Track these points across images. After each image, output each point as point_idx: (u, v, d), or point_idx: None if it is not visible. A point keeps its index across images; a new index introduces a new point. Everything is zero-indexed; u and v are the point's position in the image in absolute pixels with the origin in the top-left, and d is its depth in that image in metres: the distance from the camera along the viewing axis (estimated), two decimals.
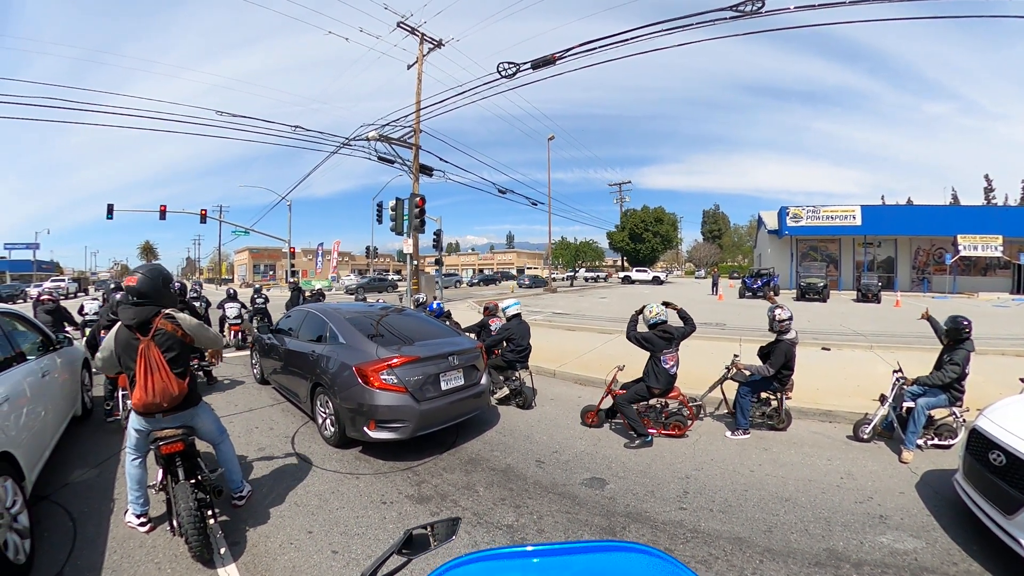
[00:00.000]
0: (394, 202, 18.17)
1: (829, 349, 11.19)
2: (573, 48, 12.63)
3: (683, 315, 6.21)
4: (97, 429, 6.35)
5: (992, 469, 3.58)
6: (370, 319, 6.53)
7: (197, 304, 12.50)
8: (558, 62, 13.26)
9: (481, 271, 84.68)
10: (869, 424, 5.74)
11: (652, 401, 6.09)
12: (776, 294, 22.59)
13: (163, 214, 31.13)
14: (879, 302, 25.14)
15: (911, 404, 5.46)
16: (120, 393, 6.08)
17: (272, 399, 7.77)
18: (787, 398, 6.20)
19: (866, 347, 11.38)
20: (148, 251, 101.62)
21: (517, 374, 7.32)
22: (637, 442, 5.66)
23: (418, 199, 17.70)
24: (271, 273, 78.40)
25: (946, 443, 5.45)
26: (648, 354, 5.96)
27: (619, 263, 71.88)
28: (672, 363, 5.90)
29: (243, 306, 13.54)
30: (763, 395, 6.20)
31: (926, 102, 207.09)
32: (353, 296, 21.27)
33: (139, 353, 3.44)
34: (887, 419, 5.75)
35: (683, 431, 5.95)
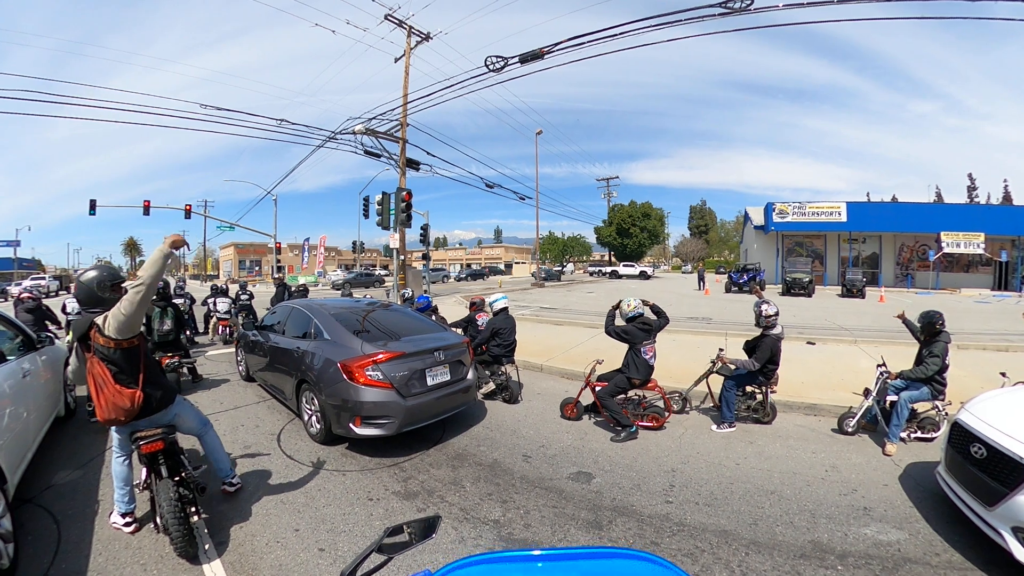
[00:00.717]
0: (380, 196, 18.03)
1: (814, 343, 11.32)
2: (561, 43, 12.63)
3: (656, 309, 6.27)
4: (81, 429, 6.21)
5: (973, 462, 3.64)
6: (356, 315, 6.50)
7: (181, 301, 12.40)
8: (546, 56, 13.27)
9: (469, 266, 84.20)
10: (853, 418, 5.82)
11: (631, 393, 6.16)
12: (762, 289, 22.77)
13: (147, 210, 30.61)
14: (864, 297, 25.43)
15: (894, 398, 5.55)
16: None
17: (258, 396, 7.70)
18: (772, 392, 6.29)
19: (850, 341, 11.49)
20: (132, 247, 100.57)
21: (503, 369, 7.31)
22: (623, 434, 5.69)
23: (405, 193, 17.57)
24: (257, 269, 77.65)
25: (929, 436, 5.54)
26: (627, 347, 6.04)
27: (606, 257, 72.11)
28: (651, 354, 6.01)
29: (232, 302, 13.40)
30: (748, 389, 6.26)
31: (913, 101, 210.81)
32: (339, 292, 21.19)
33: (87, 370, 3.36)
34: (871, 412, 5.82)
35: (661, 422, 6.02)
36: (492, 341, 7.38)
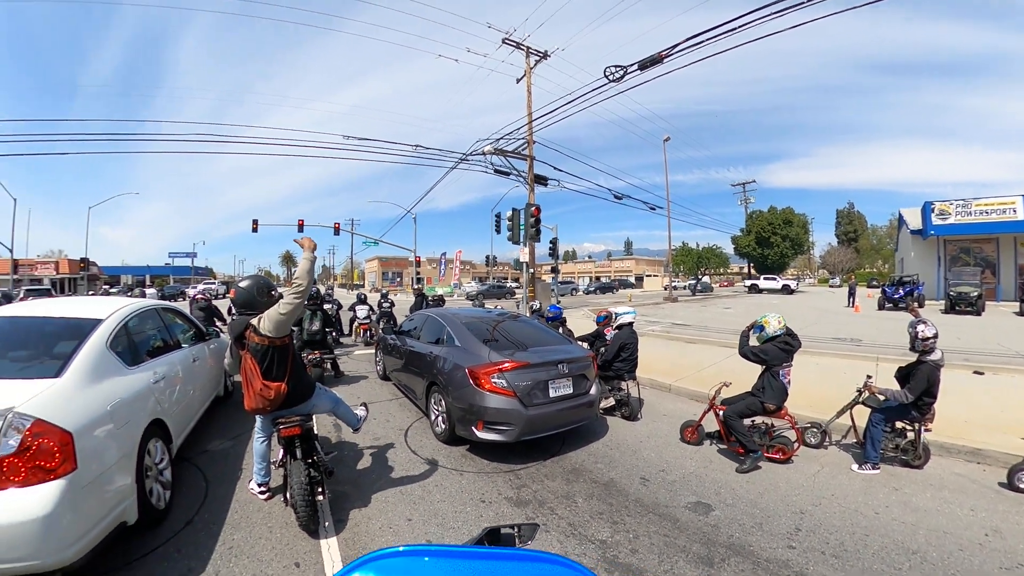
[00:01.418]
0: (510, 213, 18.61)
1: (983, 373, 9.77)
2: (679, 44, 12.03)
3: (789, 332, 5.79)
4: (235, 409, 7.19)
5: None
6: (485, 324, 6.79)
7: (329, 307, 13.77)
8: (665, 60, 12.70)
9: (598, 279, 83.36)
10: None
11: (757, 420, 5.74)
12: (920, 306, 20.17)
13: (301, 227, 34.74)
14: None
15: None
16: None
17: (391, 394, 8.35)
18: (926, 430, 5.41)
19: None
20: (288, 259, 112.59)
21: (624, 384, 7.21)
22: (748, 462, 5.33)
23: (533, 209, 17.98)
24: (398, 280, 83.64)
25: None
26: (761, 368, 5.66)
27: (745, 270, 67.39)
28: (789, 378, 5.58)
29: (371, 309, 14.69)
30: (898, 425, 5.51)
31: None
32: (472, 302, 22.13)
33: (241, 365, 3.90)
34: None
35: (788, 455, 5.49)
36: (617, 357, 7.31)
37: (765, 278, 49.41)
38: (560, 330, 9.46)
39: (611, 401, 7.27)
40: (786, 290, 45.36)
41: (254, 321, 3.92)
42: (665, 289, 45.47)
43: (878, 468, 5.29)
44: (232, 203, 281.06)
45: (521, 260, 19.72)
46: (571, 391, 5.84)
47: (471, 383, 5.49)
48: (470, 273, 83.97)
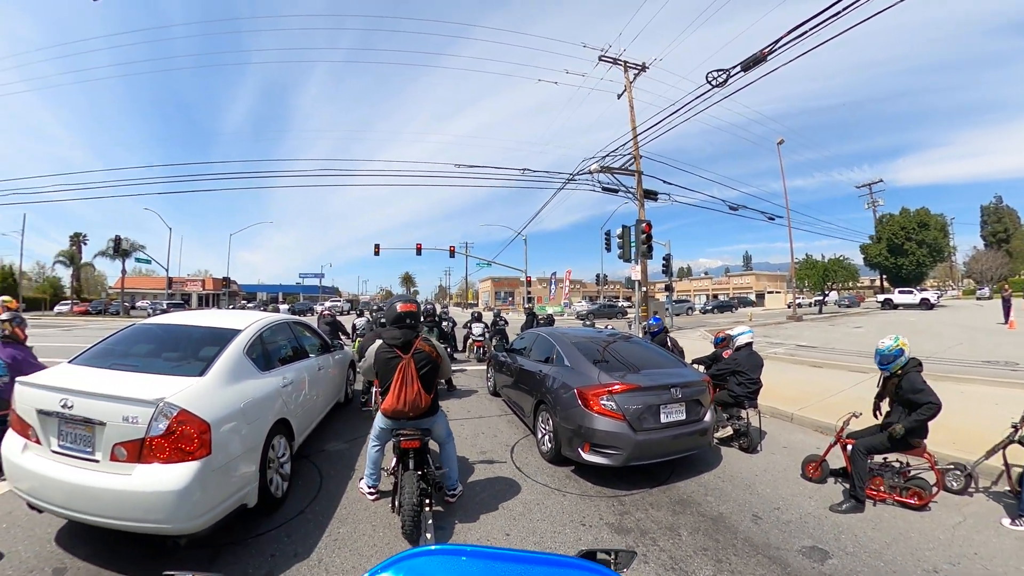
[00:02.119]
0: (620, 230, 18.38)
1: None
2: (781, 39, 11.03)
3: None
4: (353, 415, 7.96)
5: None
6: (596, 345, 6.65)
7: (445, 324, 14.38)
8: (769, 58, 11.75)
9: (715, 296, 79.64)
10: None
11: (891, 458, 5.05)
12: None
13: (419, 251, 37.51)
14: None
15: None
16: (375, 390, 7.28)
17: (500, 410, 8.44)
18: None
19: None
20: (408, 280, 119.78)
21: (744, 412, 6.72)
22: (846, 505, 4.73)
23: (644, 225, 17.62)
24: (510, 299, 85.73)
25: None
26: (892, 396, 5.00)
27: (876, 282, 60.58)
28: None
29: (486, 327, 15.16)
30: None
31: None
32: (583, 322, 22.03)
33: (399, 368, 4.15)
34: None
35: (924, 501, 4.72)
36: (733, 379, 6.86)
37: (900, 291, 43.93)
38: (668, 343, 9.13)
39: (728, 430, 6.79)
40: (925, 304, 39.38)
41: (425, 334, 4.44)
42: (788, 307, 41.94)
43: None
44: (355, 228, 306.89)
45: (633, 278, 19.33)
46: (684, 417, 5.54)
47: (579, 404, 5.40)
48: (580, 292, 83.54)
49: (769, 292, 74.43)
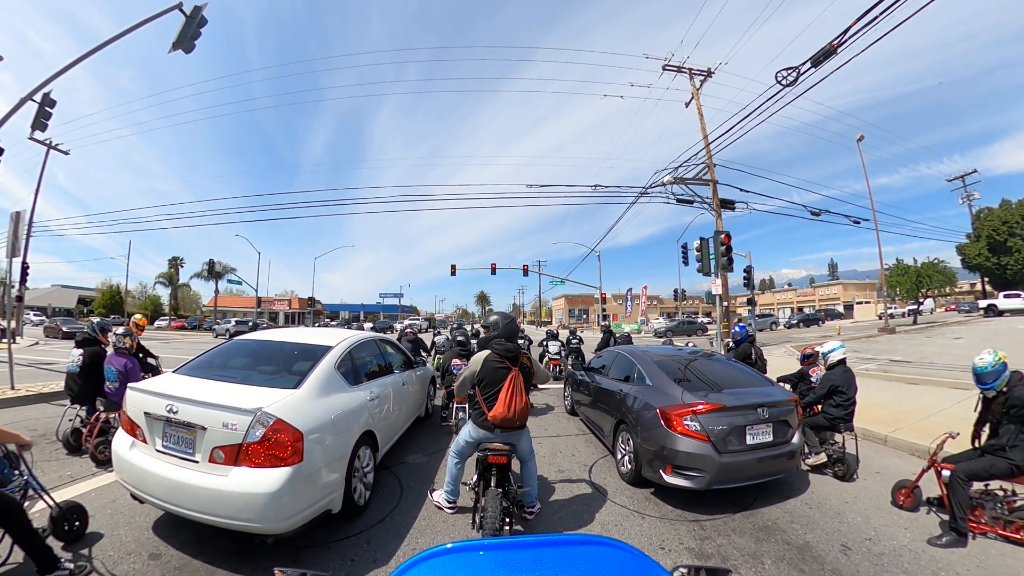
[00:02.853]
0: (698, 242, 17.83)
1: None
2: (850, 28, 10.35)
3: None
4: (433, 429, 8.15)
5: None
6: (678, 363, 6.47)
7: (521, 341, 14.42)
8: (839, 50, 11.10)
9: (800, 309, 75.41)
10: None
11: (993, 485, 4.49)
12: None
13: (493, 270, 38.44)
14: None
15: None
16: (454, 406, 7.52)
17: (578, 429, 8.33)
18: None
19: None
20: (483, 299, 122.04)
21: (840, 436, 6.26)
22: (946, 539, 4.27)
23: (723, 236, 16.96)
24: (584, 317, 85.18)
25: None
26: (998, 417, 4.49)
27: (977, 286, 54.06)
28: None
29: (562, 345, 14.99)
30: None
31: None
32: (662, 340, 21.40)
33: (508, 378, 4.26)
34: None
35: None
36: (830, 401, 6.37)
37: (1005, 295, 38.89)
38: (751, 355, 8.71)
39: (822, 457, 6.31)
40: None
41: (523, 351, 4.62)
42: (879, 318, 38.32)
43: None
44: (432, 250, 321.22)
45: (713, 292, 18.66)
46: (770, 439, 5.26)
47: (662, 424, 5.25)
48: (657, 308, 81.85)
49: (858, 303, 67.97)
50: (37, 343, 27.47)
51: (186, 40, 12.31)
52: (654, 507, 5.14)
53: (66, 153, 28.73)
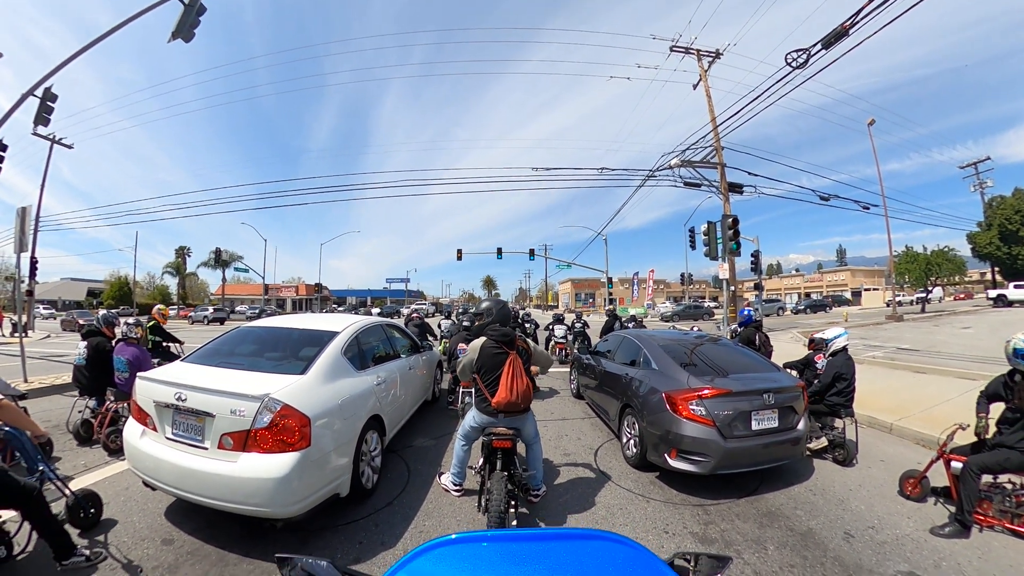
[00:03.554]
0: (705, 226, 17.65)
1: None
2: (863, 8, 10.09)
3: None
4: (440, 413, 8.26)
5: None
6: (684, 347, 6.46)
7: (527, 325, 14.50)
8: (851, 32, 10.74)
9: (807, 295, 74.78)
10: None
11: (1002, 479, 4.44)
12: None
13: (499, 254, 38.18)
14: None
15: None
16: (460, 390, 7.52)
17: (583, 413, 8.38)
18: None
19: None
20: (489, 283, 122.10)
21: (840, 422, 6.27)
22: (948, 529, 4.24)
23: (730, 220, 16.78)
24: (591, 301, 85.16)
25: None
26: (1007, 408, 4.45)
27: (987, 275, 53.50)
28: None
29: (568, 328, 15.06)
30: None
31: None
32: (670, 324, 21.38)
33: (507, 363, 4.25)
34: None
35: None
36: (831, 388, 6.38)
37: (1015, 285, 38.47)
38: (755, 340, 8.70)
39: (823, 441, 6.32)
40: None
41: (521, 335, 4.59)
42: (887, 305, 38.02)
43: None
44: (438, 235, 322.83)
45: (720, 277, 18.55)
46: (776, 424, 5.25)
47: (667, 408, 5.26)
48: (664, 292, 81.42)
49: (866, 289, 67.27)
50: (48, 336, 27.68)
51: (185, 29, 12.19)
52: (659, 491, 5.17)
53: (70, 147, 28.88)
